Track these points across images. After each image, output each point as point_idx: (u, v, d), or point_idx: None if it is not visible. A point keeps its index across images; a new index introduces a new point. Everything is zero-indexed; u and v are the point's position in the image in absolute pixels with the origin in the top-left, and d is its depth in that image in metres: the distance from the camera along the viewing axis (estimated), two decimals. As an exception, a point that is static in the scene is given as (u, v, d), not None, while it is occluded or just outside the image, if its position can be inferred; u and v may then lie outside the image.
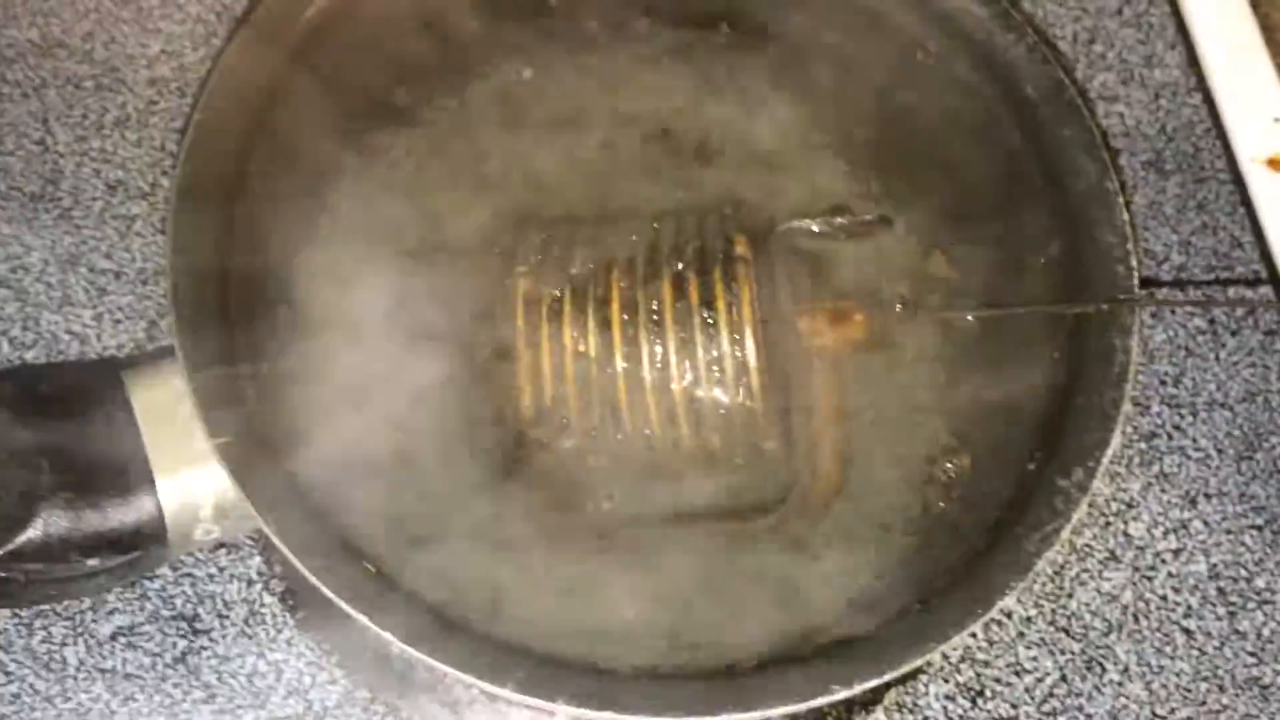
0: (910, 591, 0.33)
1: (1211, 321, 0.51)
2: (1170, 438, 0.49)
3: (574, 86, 0.43)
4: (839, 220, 0.41)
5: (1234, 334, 0.51)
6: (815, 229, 0.41)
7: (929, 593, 0.32)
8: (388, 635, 0.31)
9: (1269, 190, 0.53)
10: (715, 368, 0.37)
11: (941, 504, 0.37)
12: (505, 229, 0.40)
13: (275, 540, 0.32)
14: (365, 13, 0.41)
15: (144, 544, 0.33)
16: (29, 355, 0.46)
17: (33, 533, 0.32)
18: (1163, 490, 0.48)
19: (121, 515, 0.33)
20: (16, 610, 0.40)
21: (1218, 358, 0.51)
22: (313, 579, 0.31)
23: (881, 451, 0.39)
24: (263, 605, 0.43)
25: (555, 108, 0.43)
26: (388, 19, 0.42)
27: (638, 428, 0.38)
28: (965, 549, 0.34)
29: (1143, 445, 0.49)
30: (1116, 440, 0.34)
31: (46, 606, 0.42)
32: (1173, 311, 0.51)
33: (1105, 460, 0.34)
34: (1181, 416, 0.50)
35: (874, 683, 0.30)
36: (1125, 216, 0.37)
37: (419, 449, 0.37)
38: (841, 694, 0.30)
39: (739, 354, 0.37)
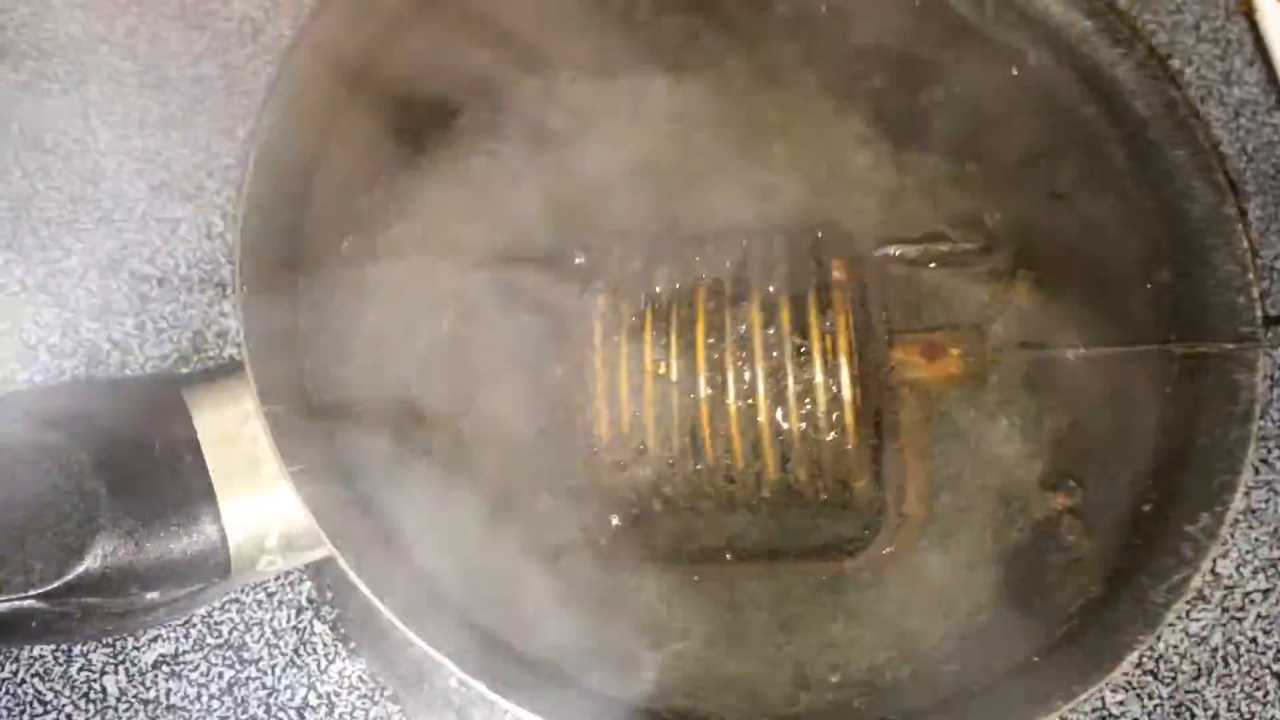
0: (1021, 636, 0.31)
1: (1301, 352, 0.49)
2: (1258, 472, 0.47)
3: (649, 96, 0.41)
4: (938, 248, 0.38)
5: (1322, 363, 0.49)
6: (912, 256, 0.38)
7: (1046, 642, 0.30)
8: (479, 684, 0.29)
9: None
10: (806, 399, 0.35)
11: (1044, 545, 0.35)
12: (580, 243, 0.38)
13: (354, 578, 0.30)
14: (429, 22, 0.39)
15: (206, 575, 0.31)
16: (68, 364, 0.44)
17: (90, 563, 0.29)
18: (1251, 528, 0.46)
19: (184, 544, 0.31)
20: (76, 644, 0.38)
21: (1308, 390, 0.49)
22: (396, 621, 0.29)
23: (976, 487, 0.37)
24: (313, 634, 0.41)
25: (630, 118, 0.41)
26: (451, 28, 0.39)
27: (719, 459, 0.36)
28: (1079, 595, 0.32)
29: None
30: (1244, 484, 0.32)
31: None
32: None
33: (1234, 506, 0.32)
34: (1269, 450, 0.48)
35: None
36: (1245, 245, 0.35)
37: (490, 473, 0.35)
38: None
39: (833, 386, 0.35)
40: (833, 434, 0.35)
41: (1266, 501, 0.47)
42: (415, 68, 0.39)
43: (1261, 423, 0.48)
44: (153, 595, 0.30)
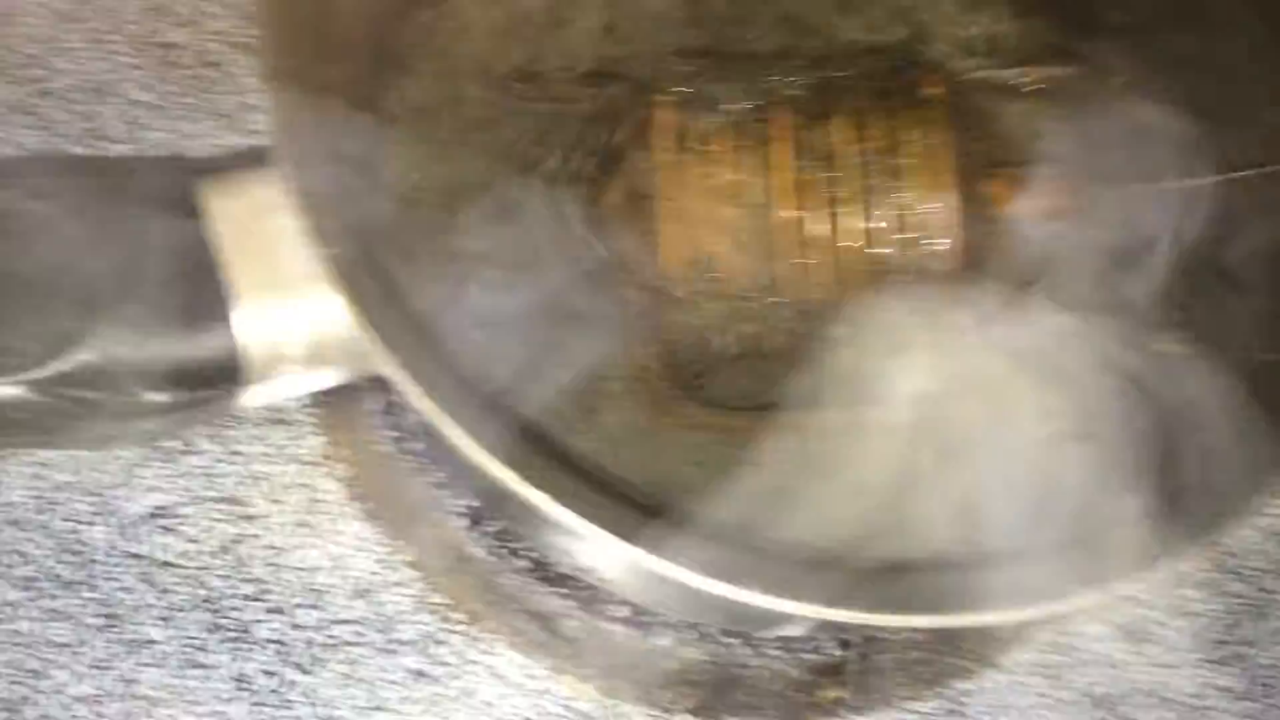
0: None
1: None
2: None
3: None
4: (1038, 71, 0.34)
5: None
6: (1009, 81, 0.34)
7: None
8: (562, 512, 0.25)
9: None
10: (902, 224, 0.31)
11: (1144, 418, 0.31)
12: (638, 57, 0.33)
13: (402, 380, 0.26)
14: None
15: (217, 381, 0.27)
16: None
17: (88, 354, 0.25)
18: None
19: (192, 345, 0.26)
20: (70, 449, 0.34)
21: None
22: (454, 437, 0.25)
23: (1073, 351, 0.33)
24: (324, 491, 0.37)
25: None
26: None
27: (799, 293, 0.32)
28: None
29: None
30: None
31: (68, 479, 0.36)
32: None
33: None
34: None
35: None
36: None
37: (541, 300, 0.31)
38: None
39: (933, 211, 0.31)
40: (935, 263, 0.31)
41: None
42: None
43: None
44: (155, 397, 0.26)
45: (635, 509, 0.26)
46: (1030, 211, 0.33)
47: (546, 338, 0.29)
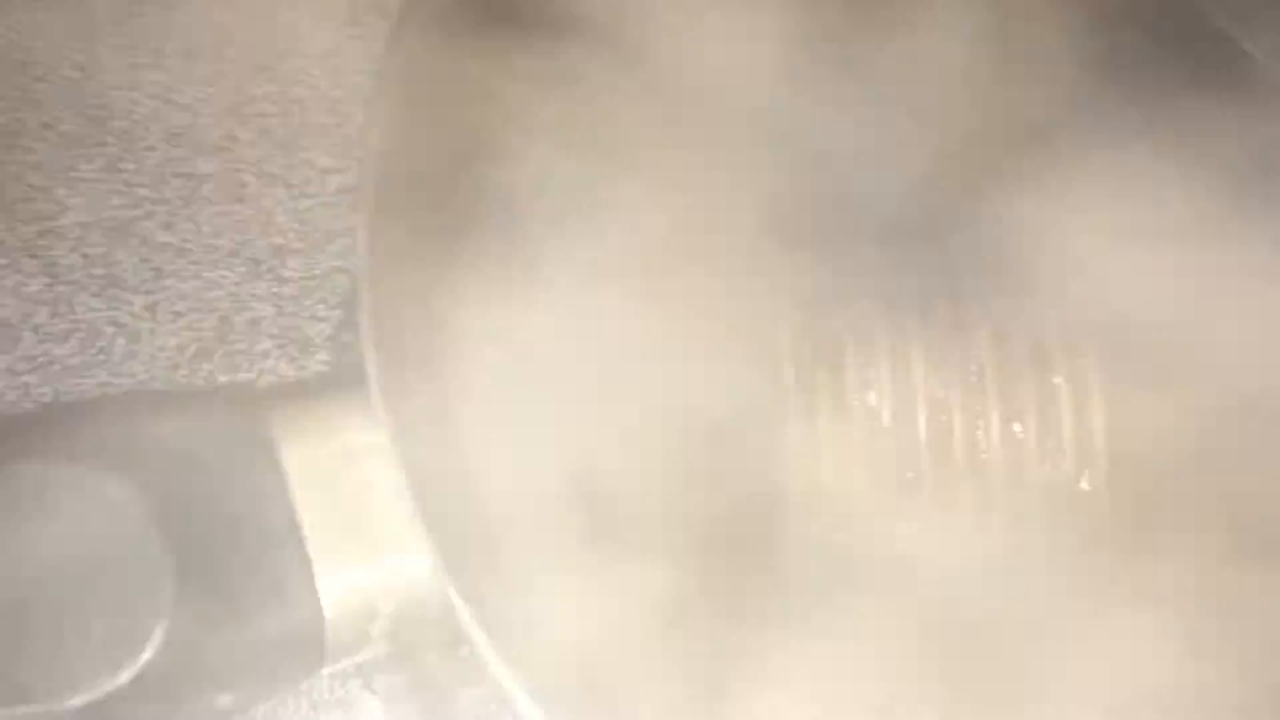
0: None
1: None
2: None
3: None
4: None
5: None
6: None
7: None
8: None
9: None
10: (1051, 446, 0.28)
11: None
12: (772, 247, 0.30)
13: (500, 666, 0.22)
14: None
15: (296, 667, 0.23)
16: (60, 351, 0.35)
17: (151, 653, 0.21)
18: None
19: (273, 626, 0.22)
20: None
21: None
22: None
23: None
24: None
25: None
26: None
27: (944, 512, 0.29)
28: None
29: None
30: None
31: None
32: None
33: None
34: None
35: None
36: None
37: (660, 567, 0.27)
38: None
39: (1086, 429, 0.28)
40: (1081, 482, 0.28)
41: None
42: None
43: None
44: (227, 698, 0.22)
45: None
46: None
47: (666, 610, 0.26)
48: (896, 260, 0.30)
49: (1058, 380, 0.29)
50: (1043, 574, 0.28)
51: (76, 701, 0.20)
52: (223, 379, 0.34)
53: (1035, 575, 0.28)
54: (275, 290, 0.37)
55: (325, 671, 0.24)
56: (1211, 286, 0.30)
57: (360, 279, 0.24)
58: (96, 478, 0.21)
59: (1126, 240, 0.30)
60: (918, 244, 0.30)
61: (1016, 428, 0.29)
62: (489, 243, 0.27)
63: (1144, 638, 0.27)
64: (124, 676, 0.20)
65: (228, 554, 0.23)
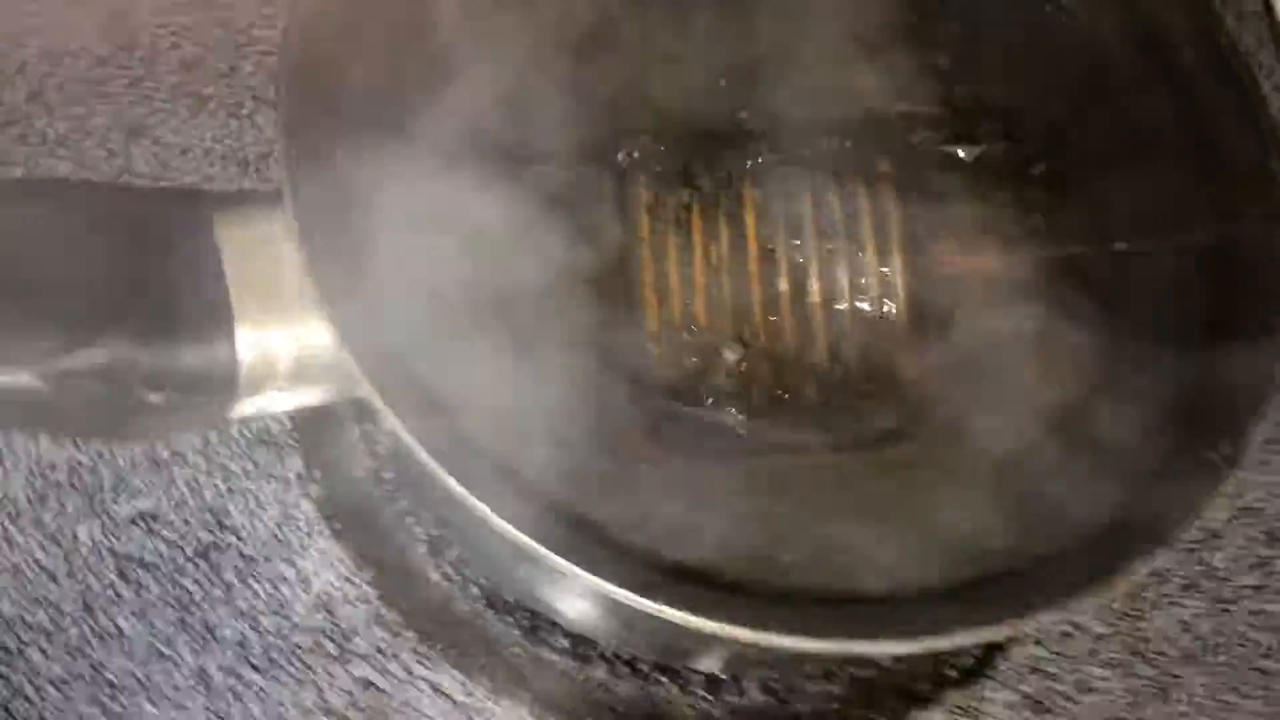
0: (1030, 543, 0.31)
1: (1304, 363, 0.50)
2: (1260, 471, 0.47)
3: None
4: (972, 148, 0.38)
5: (1326, 378, 0.50)
6: (959, 153, 0.38)
7: (1060, 547, 0.30)
8: (505, 524, 0.28)
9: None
10: (859, 284, 0.35)
11: (1069, 459, 0.34)
12: (618, 141, 0.37)
13: (374, 400, 0.29)
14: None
15: (213, 388, 0.30)
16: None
17: (100, 353, 0.28)
18: (1248, 524, 0.46)
19: (194, 355, 0.30)
20: (68, 436, 0.37)
21: (1312, 401, 0.49)
22: (413, 444, 0.28)
23: (1011, 397, 0.36)
24: (297, 510, 0.40)
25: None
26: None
27: (770, 347, 0.35)
28: (1099, 503, 0.31)
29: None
30: (1270, 418, 0.32)
31: (62, 480, 0.39)
32: None
33: (1257, 436, 0.32)
34: (1274, 453, 0.48)
35: (1005, 628, 0.28)
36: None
37: (533, 353, 0.34)
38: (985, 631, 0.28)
39: (885, 271, 0.35)
40: (884, 317, 0.34)
41: (1264, 501, 0.47)
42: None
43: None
44: (155, 397, 0.29)
45: (583, 534, 0.29)
46: (966, 269, 0.37)
47: (528, 380, 0.33)
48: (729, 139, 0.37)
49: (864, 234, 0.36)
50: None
51: (37, 370, 0.27)
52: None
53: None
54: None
55: (242, 404, 0.31)
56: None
57: (279, 113, 0.31)
58: (75, 220, 0.29)
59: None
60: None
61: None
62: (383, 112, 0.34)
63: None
64: (76, 361, 0.28)
65: (170, 297, 0.30)
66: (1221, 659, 0.43)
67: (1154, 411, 0.32)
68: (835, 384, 0.35)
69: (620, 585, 0.28)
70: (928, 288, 0.36)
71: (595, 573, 0.28)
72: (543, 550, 0.28)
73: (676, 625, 0.28)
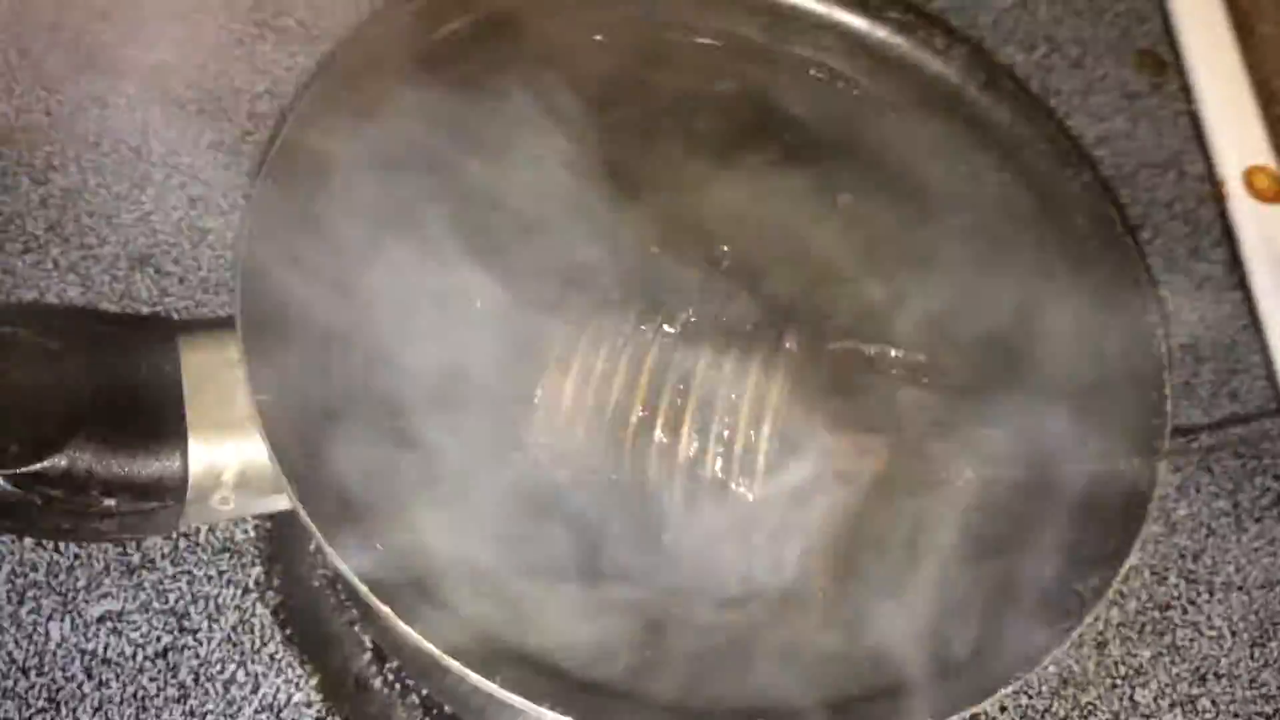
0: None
1: (1236, 505, 0.52)
2: (1185, 611, 0.49)
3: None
4: (892, 353, 0.41)
5: (1258, 520, 0.51)
6: (869, 355, 0.41)
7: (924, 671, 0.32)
8: (403, 625, 0.31)
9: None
10: (723, 444, 0.38)
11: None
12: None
13: (294, 503, 0.32)
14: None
15: (163, 496, 0.34)
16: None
17: (61, 460, 0.32)
18: (1173, 662, 0.47)
19: (148, 464, 0.33)
20: (30, 536, 0.40)
21: (1239, 540, 0.51)
22: (327, 548, 0.31)
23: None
24: (254, 615, 0.43)
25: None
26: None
27: (638, 476, 0.38)
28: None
29: (1156, 614, 0.48)
30: (1133, 557, 0.34)
31: (41, 579, 0.42)
32: (1197, 490, 0.51)
33: (1122, 571, 0.34)
34: (1198, 593, 0.49)
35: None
36: (1165, 349, 0.38)
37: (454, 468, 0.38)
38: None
39: (751, 434, 0.38)
40: (739, 482, 0.37)
41: (1192, 641, 0.48)
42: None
43: (1193, 566, 0.50)
44: (110, 502, 0.33)
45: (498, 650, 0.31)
46: (853, 468, 0.40)
47: (450, 495, 0.36)
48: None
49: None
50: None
51: (4, 473, 0.31)
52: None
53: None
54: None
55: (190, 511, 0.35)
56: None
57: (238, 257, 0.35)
58: (52, 343, 0.33)
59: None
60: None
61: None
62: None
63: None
64: (42, 465, 0.31)
65: (131, 411, 0.34)
66: (1144, 794, 0.44)
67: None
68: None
69: (517, 692, 0.31)
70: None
71: (506, 686, 0.31)
72: (452, 662, 0.31)
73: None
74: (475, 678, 0.30)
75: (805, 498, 0.37)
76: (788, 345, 0.41)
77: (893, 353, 0.42)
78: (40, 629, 0.42)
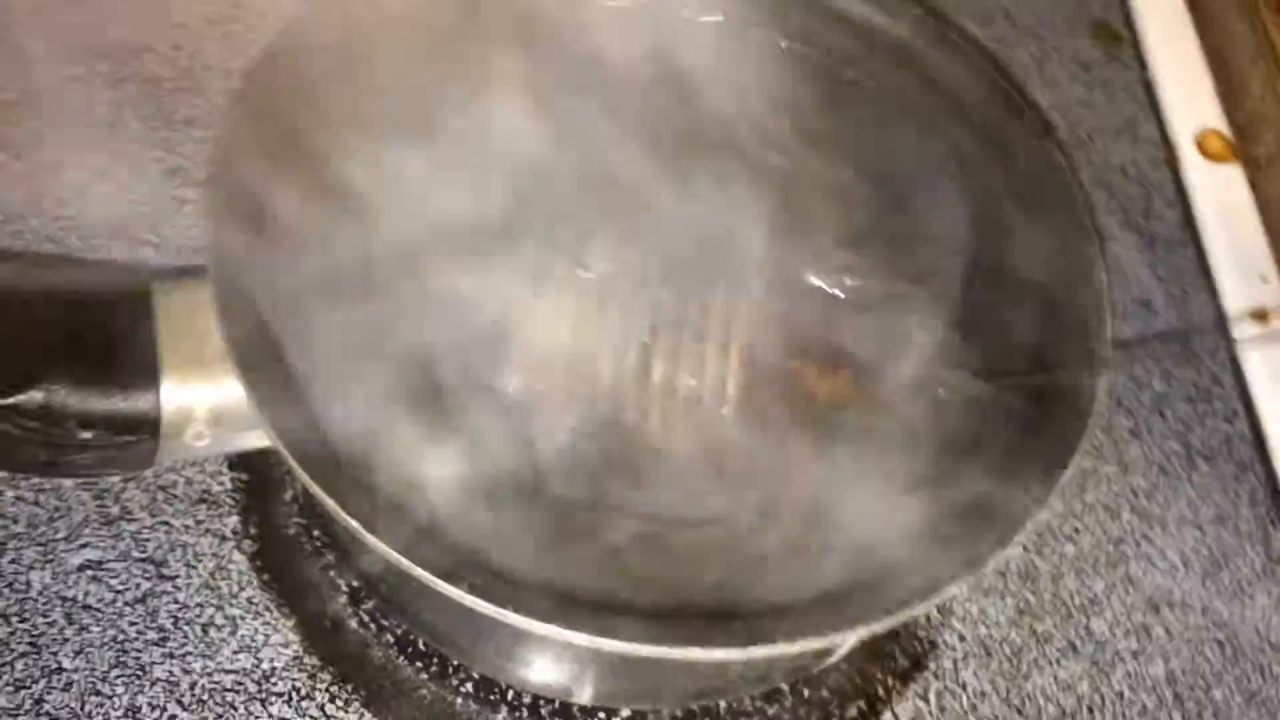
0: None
1: (1187, 446, 0.53)
2: (1138, 545, 0.50)
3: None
4: (847, 281, 0.43)
5: (1208, 460, 0.53)
6: (820, 284, 0.43)
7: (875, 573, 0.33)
8: (381, 545, 0.32)
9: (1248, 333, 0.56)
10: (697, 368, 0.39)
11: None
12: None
13: (270, 435, 0.34)
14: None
15: (138, 431, 0.35)
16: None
17: (36, 394, 0.33)
18: (1126, 592, 0.49)
19: (122, 401, 0.35)
20: (7, 470, 0.41)
21: (1190, 479, 0.52)
22: (302, 474, 0.32)
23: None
24: (231, 562, 0.44)
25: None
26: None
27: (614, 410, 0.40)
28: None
29: (1110, 548, 0.50)
30: (1075, 465, 0.36)
31: (21, 530, 0.43)
32: (1149, 430, 0.53)
33: (1063, 479, 0.35)
34: (1150, 527, 0.51)
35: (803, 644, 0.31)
36: (1104, 278, 0.40)
37: (437, 408, 0.39)
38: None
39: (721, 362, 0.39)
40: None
41: (1145, 573, 0.49)
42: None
43: (1146, 503, 0.51)
44: (86, 435, 0.34)
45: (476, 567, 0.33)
46: (822, 391, 0.42)
47: (426, 429, 0.37)
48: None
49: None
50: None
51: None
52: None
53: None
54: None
55: (164, 446, 0.36)
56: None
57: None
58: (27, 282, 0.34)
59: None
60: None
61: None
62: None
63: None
64: (17, 398, 0.33)
65: (106, 351, 0.35)
66: (1100, 717, 0.46)
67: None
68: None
69: (487, 600, 0.32)
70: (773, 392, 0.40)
71: (475, 594, 0.32)
72: (421, 572, 0.32)
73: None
74: (442, 585, 0.31)
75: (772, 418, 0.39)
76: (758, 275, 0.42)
77: (846, 280, 0.44)
78: (21, 578, 0.43)
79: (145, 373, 0.35)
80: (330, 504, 0.33)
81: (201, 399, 0.36)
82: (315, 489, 0.32)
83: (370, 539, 0.32)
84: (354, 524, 0.32)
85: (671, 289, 0.42)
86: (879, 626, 0.32)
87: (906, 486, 0.37)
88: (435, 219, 0.40)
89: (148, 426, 0.35)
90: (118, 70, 0.55)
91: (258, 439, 0.37)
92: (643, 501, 0.39)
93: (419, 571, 0.31)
